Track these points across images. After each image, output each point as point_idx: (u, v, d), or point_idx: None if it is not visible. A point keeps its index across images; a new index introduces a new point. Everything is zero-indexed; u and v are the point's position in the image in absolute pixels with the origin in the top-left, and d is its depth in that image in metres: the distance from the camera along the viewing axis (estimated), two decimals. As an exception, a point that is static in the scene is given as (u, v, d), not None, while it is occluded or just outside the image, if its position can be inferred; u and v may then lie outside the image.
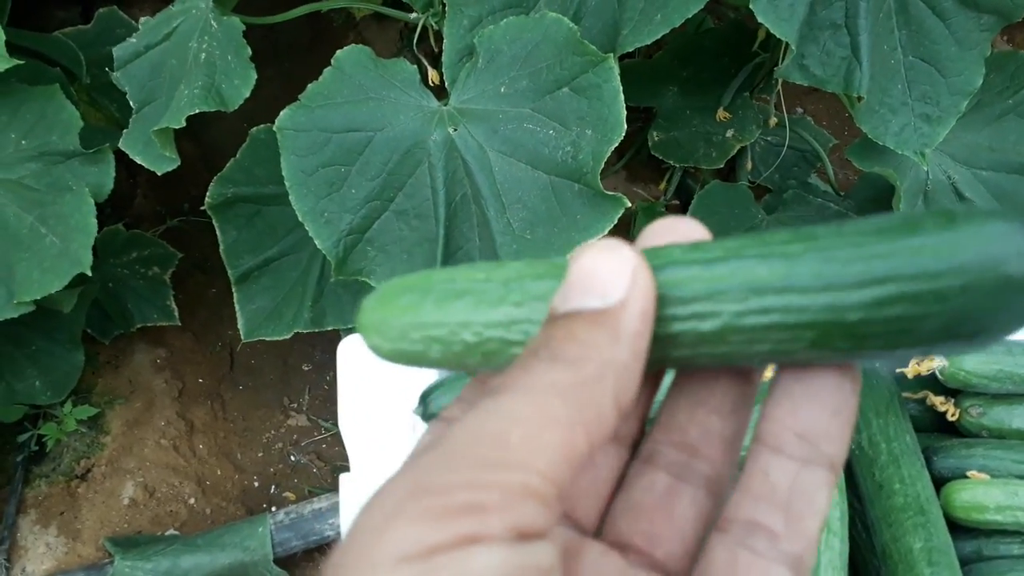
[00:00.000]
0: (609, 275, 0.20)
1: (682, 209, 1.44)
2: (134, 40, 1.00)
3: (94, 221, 0.99)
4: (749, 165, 1.35)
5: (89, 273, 0.98)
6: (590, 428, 0.18)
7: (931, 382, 0.61)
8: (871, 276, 0.18)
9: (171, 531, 1.30)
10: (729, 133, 1.22)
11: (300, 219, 0.86)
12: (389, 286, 0.24)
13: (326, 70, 0.89)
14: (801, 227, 0.20)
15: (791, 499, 0.21)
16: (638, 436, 0.25)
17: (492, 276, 0.23)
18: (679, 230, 0.22)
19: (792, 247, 0.20)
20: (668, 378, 0.25)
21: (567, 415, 0.18)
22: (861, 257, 0.19)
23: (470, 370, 0.23)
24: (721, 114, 1.21)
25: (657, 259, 0.21)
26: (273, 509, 1.28)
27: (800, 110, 1.67)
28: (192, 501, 1.34)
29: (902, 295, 0.18)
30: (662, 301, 0.20)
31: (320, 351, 1.49)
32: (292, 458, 1.41)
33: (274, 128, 0.85)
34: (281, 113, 0.86)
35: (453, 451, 0.18)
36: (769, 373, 0.24)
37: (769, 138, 1.37)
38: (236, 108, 0.92)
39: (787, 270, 0.19)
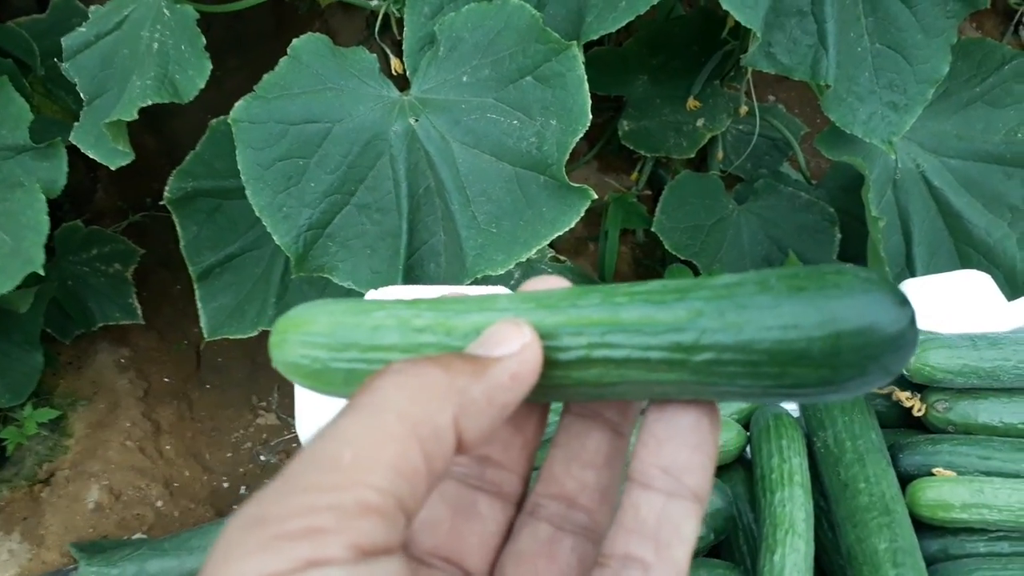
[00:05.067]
0: (503, 338, 0.22)
1: (654, 199, 1.43)
2: (84, 29, 0.97)
3: (46, 218, 0.96)
4: (720, 154, 1.34)
5: (42, 272, 0.95)
6: (426, 444, 0.19)
7: (897, 378, 0.60)
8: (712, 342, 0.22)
9: (138, 535, 1.27)
10: (700, 122, 1.20)
11: (257, 214, 0.84)
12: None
13: (282, 60, 0.86)
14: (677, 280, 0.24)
15: (659, 530, 0.23)
16: (522, 493, 0.27)
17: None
18: (549, 283, 0.26)
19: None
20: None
21: (401, 430, 0.19)
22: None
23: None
24: (691, 103, 1.20)
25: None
26: (242, 510, 1.26)
27: (772, 98, 1.66)
28: (160, 504, 1.31)
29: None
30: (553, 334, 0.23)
31: (289, 348, 1.46)
32: (262, 458, 1.38)
33: (229, 120, 0.83)
34: (236, 104, 0.83)
35: (289, 479, 0.18)
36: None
37: (740, 127, 1.36)
38: (193, 99, 0.89)
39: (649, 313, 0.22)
